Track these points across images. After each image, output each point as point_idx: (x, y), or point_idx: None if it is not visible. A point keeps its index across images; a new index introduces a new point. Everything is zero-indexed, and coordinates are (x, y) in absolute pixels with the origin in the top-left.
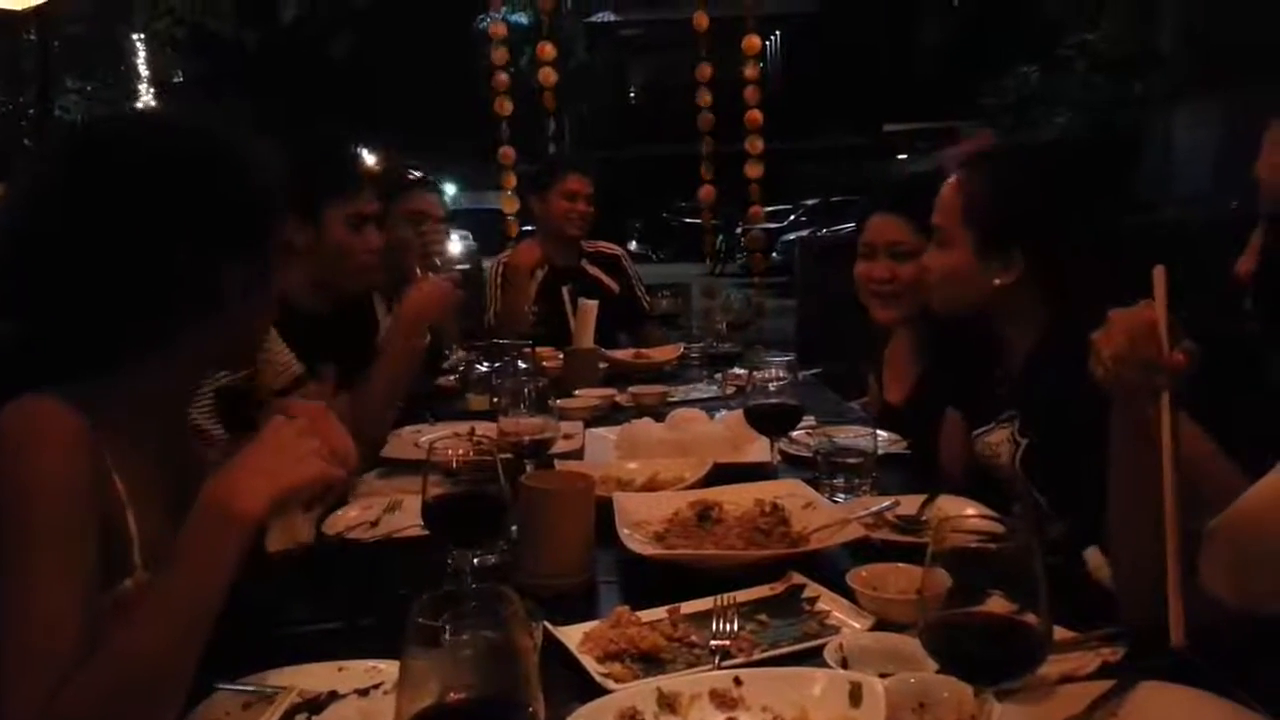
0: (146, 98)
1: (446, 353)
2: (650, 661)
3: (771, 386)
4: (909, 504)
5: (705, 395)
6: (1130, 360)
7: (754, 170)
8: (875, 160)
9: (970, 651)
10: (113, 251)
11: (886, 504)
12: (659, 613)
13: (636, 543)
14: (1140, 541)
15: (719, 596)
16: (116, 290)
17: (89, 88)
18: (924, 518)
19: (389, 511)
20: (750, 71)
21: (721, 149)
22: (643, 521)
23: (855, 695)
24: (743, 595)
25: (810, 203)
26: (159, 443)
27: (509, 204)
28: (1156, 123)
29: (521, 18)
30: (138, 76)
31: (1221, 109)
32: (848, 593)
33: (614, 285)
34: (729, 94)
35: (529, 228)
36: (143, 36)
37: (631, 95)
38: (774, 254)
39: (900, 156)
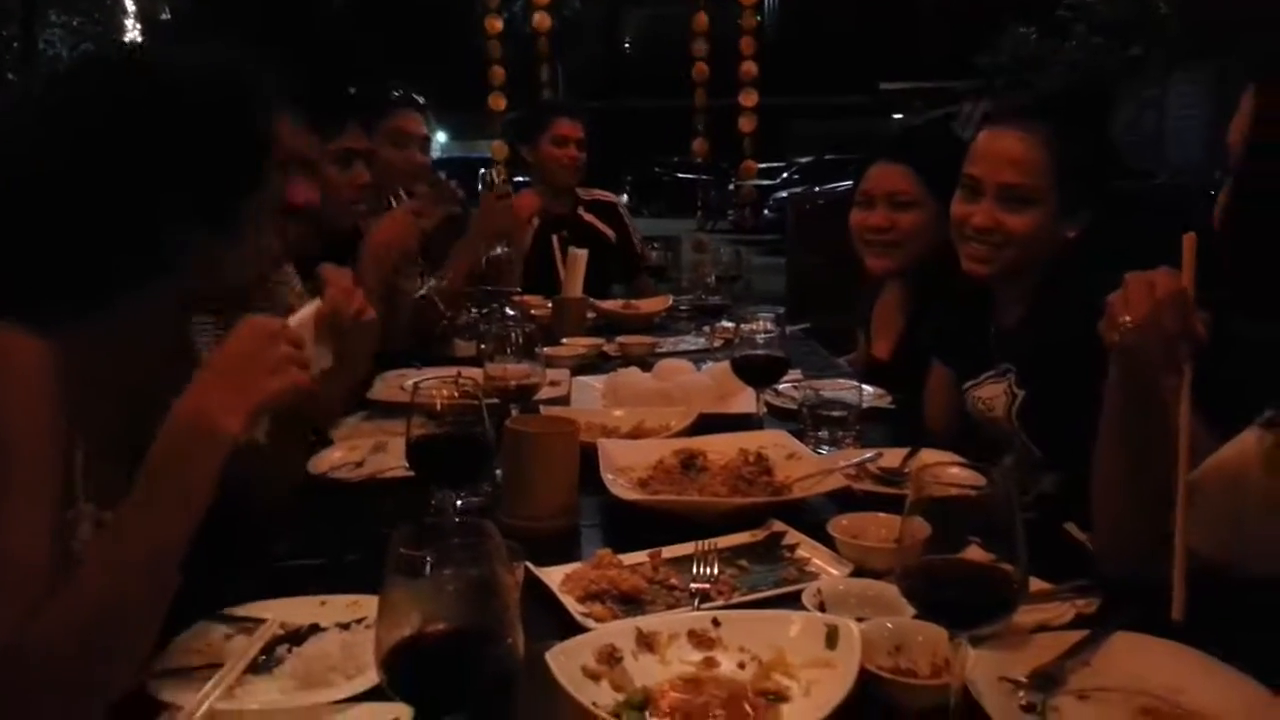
0: (133, 34)
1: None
2: (630, 602)
3: (759, 339)
4: (892, 457)
5: (693, 347)
6: (1154, 330)
7: (747, 124)
8: (871, 118)
9: (945, 597)
10: (107, 187)
11: (869, 455)
12: (640, 556)
13: (620, 488)
14: (1123, 503)
15: (700, 542)
16: (107, 225)
17: (75, 22)
18: (906, 470)
19: (374, 452)
20: (747, 22)
21: (715, 103)
22: (627, 467)
23: (831, 638)
24: (724, 541)
25: (804, 160)
26: (132, 392)
27: (499, 151)
28: (1152, 88)
29: None
30: (124, 11)
31: (1216, 75)
32: (828, 541)
33: (610, 233)
34: (724, 47)
35: (522, 179)
36: None
37: (625, 46)
38: (766, 211)
39: (896, 115)
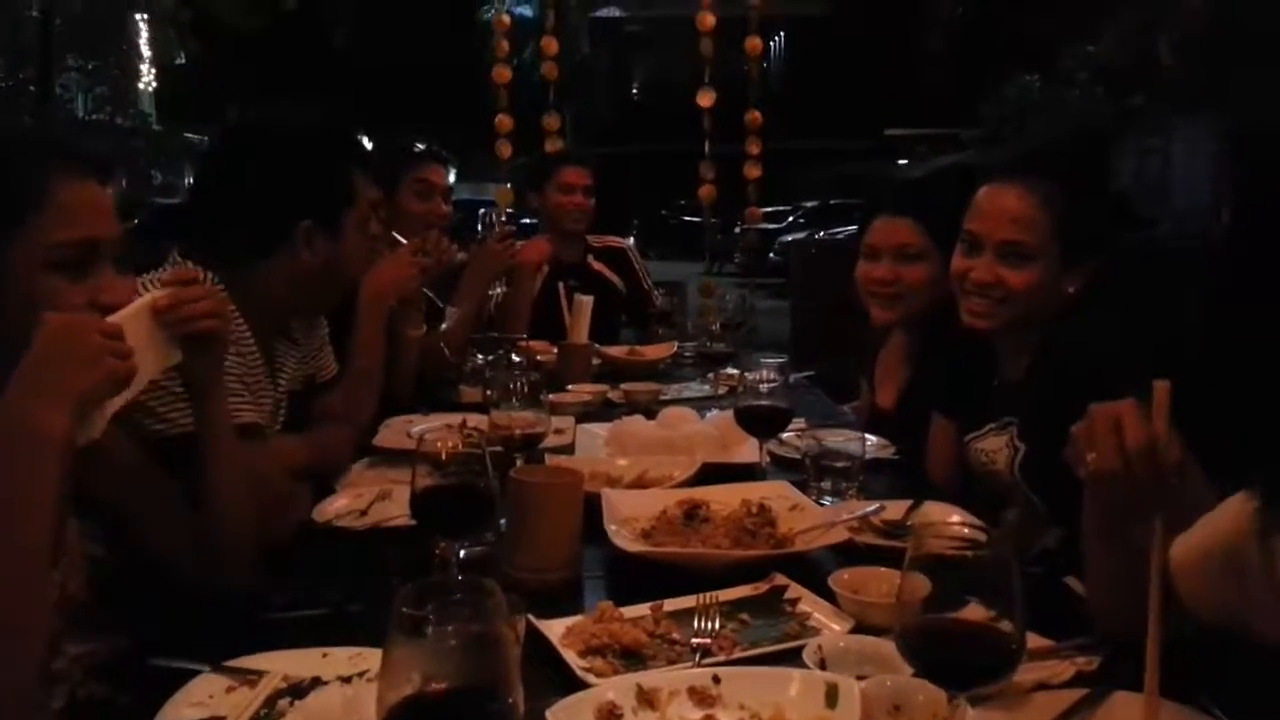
0: (148, 79)
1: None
2: (631, 657)
3: (763, 388)
4: (895, 509)
5: (697, 394)
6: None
7: (752, 171)
8: (875, 163)
9: (943, 657)
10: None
11: (872, 508)
12: (642, 609)
13: (623, 539)
14: (1114, 571)
15: (701, 595)
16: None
17: (90, 66)
18: (909, 523)
19: (379, 500)
20: (751, 71)
21: (722, 148)
22: (630, 518)
23: (831, 696)
24: (725, 594)
25: (809, 205)
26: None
27: (504, 197)
28: (1155, 137)
29: (526, 10)
30: (140, 57)
31: (1219, 123)
32: (830, 595)
33: (619, 282)
34: (731, 93)
35: (530, 221)
36: (146, 17)
37: (634, 92)
38: (772, 255)
39: (901, 161)
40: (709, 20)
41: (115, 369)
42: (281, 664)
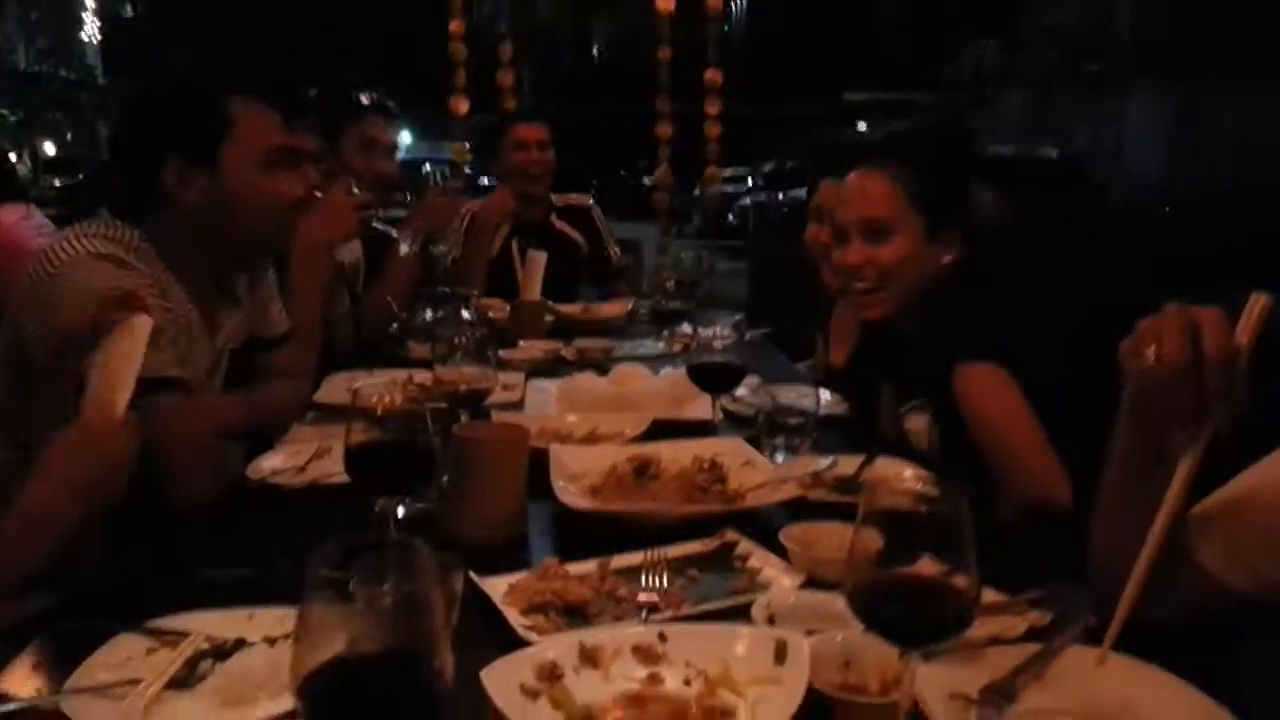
0: (91, 30)
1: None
2: (576, 615)
3: (717, 344)
4: (847, 465)
5: (651, 352)
6: (1186, 382)
7: (712, 130)
8: (833, 128)
9: (895, 615)
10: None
11: (825, 464)
12: (589, 566)
13: (571, 496)
14: (1125, 535)
15: (649, 551)
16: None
17: (32, 17)
18: (861, 479)
19: (317, 458)
20: (712, 31)
21: (681, 109)
22: (579, 474)
23: (780, 653)
24: (674, 551)
25: (767, 168)
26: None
27: (460, 154)
28: (1109, 104)
29: None
30: (83, 7)
31: (1175, 91)
32: (781, 551)
33: (580, 240)
34: (691, 55)
35: (486, 181)
36: None
37: (595, 53)
38: (730, 217)
39: (860, 126)
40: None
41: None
42: (205, 625)
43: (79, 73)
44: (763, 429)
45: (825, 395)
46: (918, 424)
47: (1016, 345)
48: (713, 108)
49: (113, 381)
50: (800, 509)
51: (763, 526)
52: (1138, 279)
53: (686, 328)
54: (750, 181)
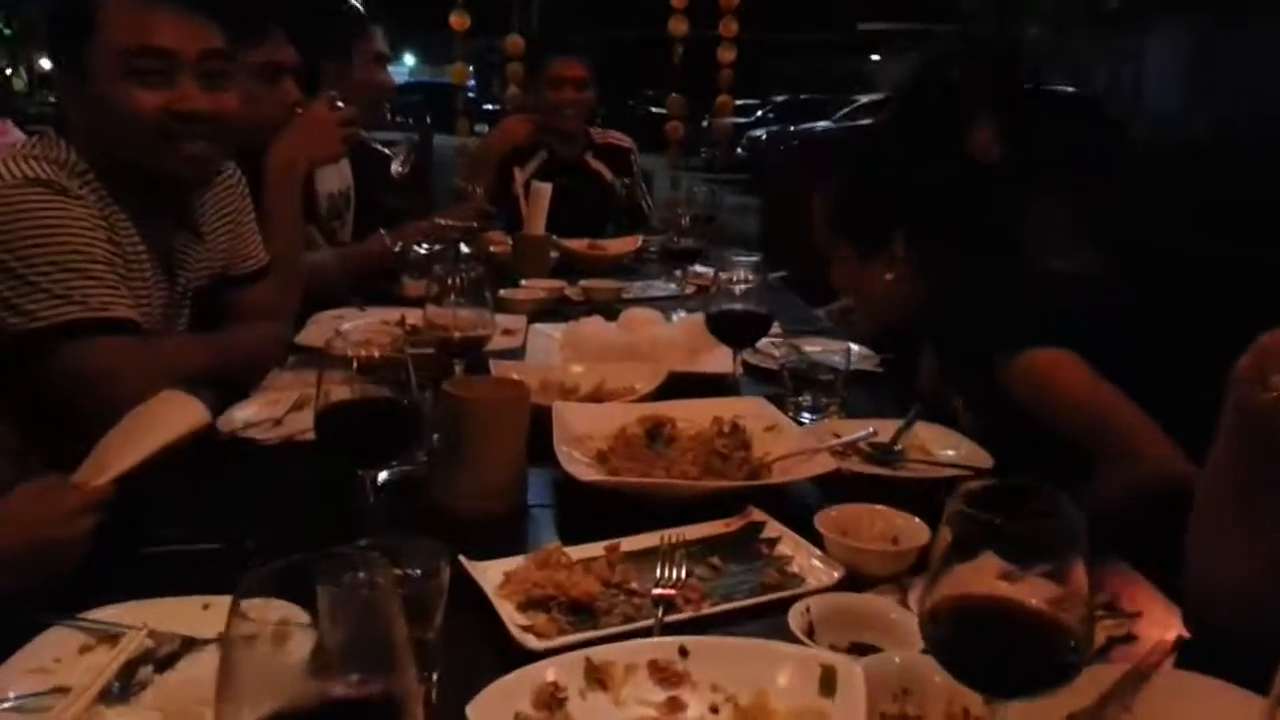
0: None
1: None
2: (581, 612)
3: (737, 289)
4: (882, 429)
5: (663, 293)
6: None
7: (726, 55)
8: (848, 58)
9: (985, 657)
10: None
11: (863, 433)
12: (595, 549)
13: (576, 464)
14: (1230, 559)
15: (665, 533)
16: None
17: None
18: (899, 446)
19: (295, 410)
20: None
21: (694, 34)
22: (585, 436)
23: (828, 682)
24: (692, 532)
25: (778, 99)
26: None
27: (460, 75)
28: (1128, 41)
29: None
30: None
31: (1193, 30)
32: (811, 530)
33: (615, 182)
34: None
35: (489, 106)
36: None
37: None
38: (739, 150)
39: (874, 57)
40: None
41: (83, 537)
42: (152, 616)
43: None
44: (788, 386)
45: (854, 348)
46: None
47: (1072, 322)
48: (728, 30)
49: (120, 447)
50: (831, 483)
51: (791, 503)
52: (1168, 220)
53: (700, 268)
54: (760, 113)
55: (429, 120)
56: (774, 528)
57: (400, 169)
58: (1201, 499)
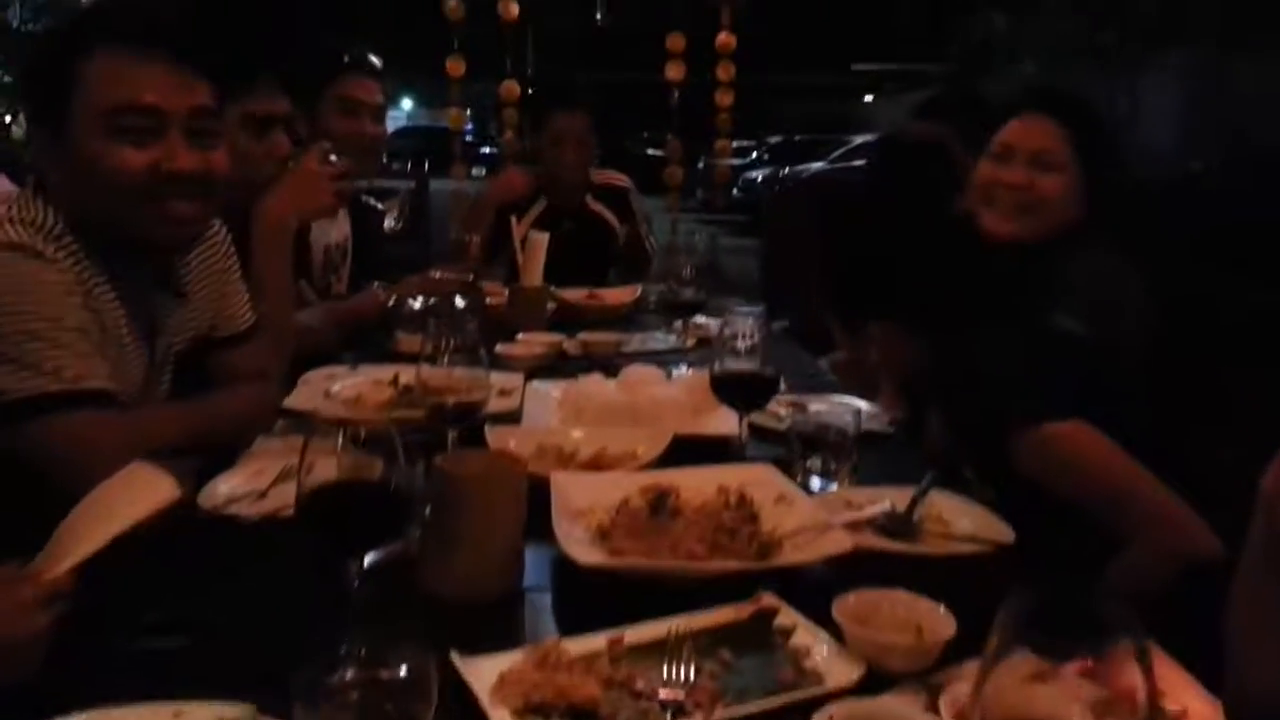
0: None
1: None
2: (583, 718)
3: (740, 344)
4: (895, 498)
5: (663, 346)
6: None
7: (724, 99)
8: (842, 99)
9: None
10: None
11: (879, 508)
12: (597, 642)
13: (576, 544)
14: (1261, 666)
15: (672, 624)
16: None
17: None
18: (916, 519)
19: (281, 481)
20: None
21: (689, 80)
22: (585, 510)
23: None
24: (701, 621)
25: (774, 140)
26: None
27: (456, 121)
28: (1122, 77)
29: None
30: None
31: (1189, 65)
32: (826, 616)
33: (616, 223)
34: (698, 21)
35: (486, 149)
36: None
37: (598, 17)
38: (735, 190)
39: (868, 98)
40: None
41: (39, 634)
42: None
43: None
44: (796, 450)
45: (863, 407)
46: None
47: (1089, 391)
48: (725, 73)
49: (81, 530)
50: (845, 560)
51: (804, 584)
52: (1176, 259)
53: (701, 319)
54: (755, 154)
55: (426, 164)
56: (788, 615)
57: (394, 224)
58: (1235, 605)
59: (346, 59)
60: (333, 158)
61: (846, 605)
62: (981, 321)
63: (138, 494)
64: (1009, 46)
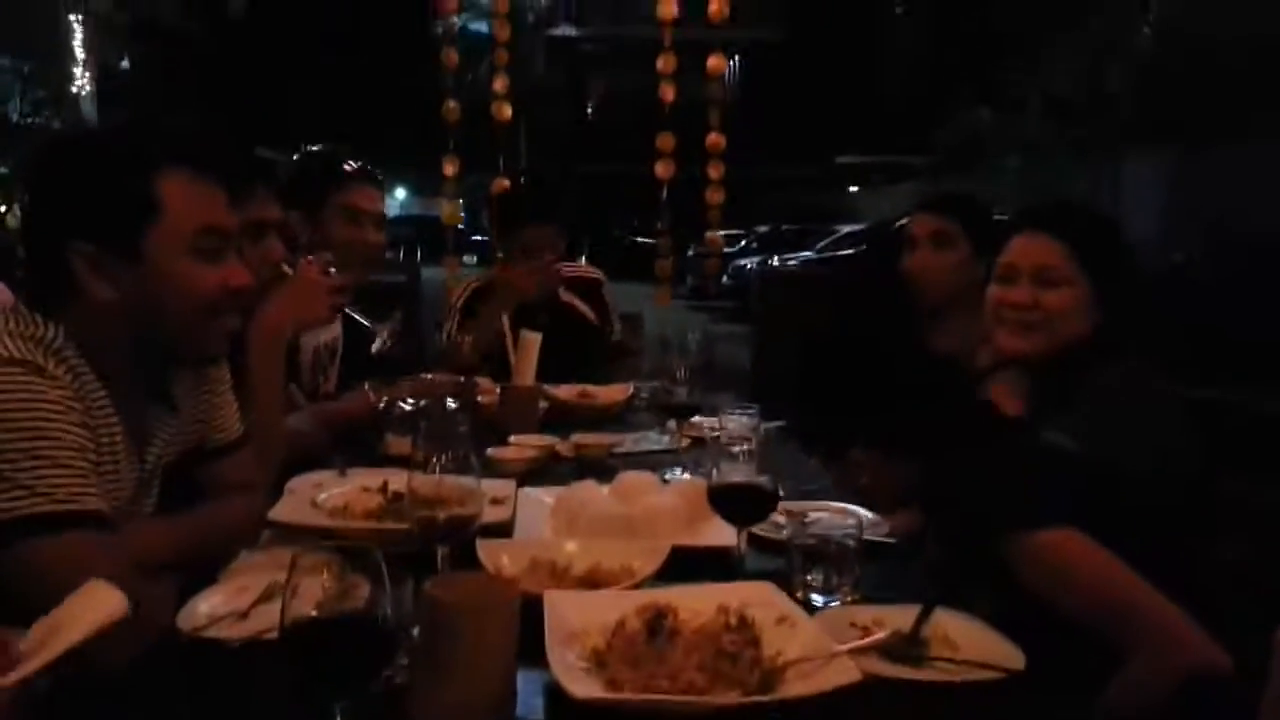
0: (82, 82)
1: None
2: None
3: (736, 449)
4: (898, 617)
5: (656, 447)
6: None
7: (714, 196)
8: (827, 190)
9: None
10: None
11: (884, 636)
12: None
13: (570, 673)
14: None
15: None
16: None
17: (25, 69)
18: (923, 637)
19: (264, 601)
20: (714, 94)
21: (678, 174)
22: (579, 633)
23: None
24: None
25: (762, 229)
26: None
27: (452, 216)
28: (1104, 170)
29: (483, 26)
30: (73, 60)
31: (1169, 158)
32: None
33: (591, 315)
34: (687, 116)
35: (480, 237)
36: (80, 18)
37: (588, 111)
38: (725, 278)
39: (852, 189)
40: (671, 8)
41: None
42: None
43: (74, 125)
44: (796, 564)
45: (865, 515)
46: None
47: (1083, 505)
48: (715, 172)
49: (37, 643)
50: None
51: (809, 716)
52: (1174, 355)
53: (697, 419)
54: (743, 242)
55: (419, 253)
56: None
57: (383, 346)
58: None
59: (349, 168)
60: (331, 270)
61: None
62: (970, 439)
63: (89, 610)
64: (992, 140)
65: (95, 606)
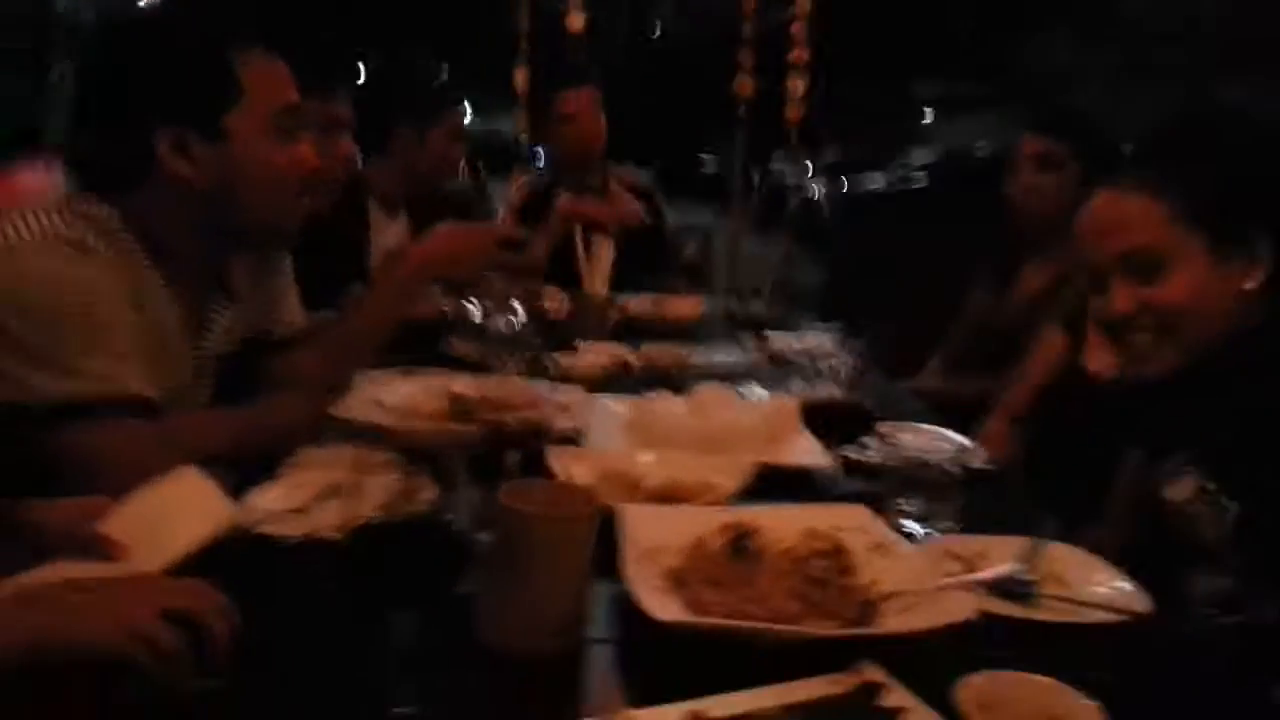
0: None
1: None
2: None
3: (821, 366)
4: (999, 547)
5: (729, 360)
6: None
7: (794, 112)
8: (899, 117)
9: None
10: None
11: (1007, 569)
12: (672, 716)
13: (649, 593)
14: None
15: (758, 696)
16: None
17: None
18: (1035, 576)
19: (323, 498)
20: (800, 6)
21: (755, 94)
22: (656, 549)
23: None
24: (793, 693)
25: (830, 157)
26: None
27: (522, 121)
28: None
29: None
30: None
31: (1260, 85)
32: (940, 698)
33: (647, 218)
34: (762, 35)
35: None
36: None
37: (658, 30)
38: (795, 204)
39: (925, 121)
40: None
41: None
42: None
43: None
44: (892, 490)
45: (964, 442)
46: (1185, 490)
47: None
48: (795, 88)
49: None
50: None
51: (913, 657)
52: None
53: (773, 333)
54: (813, 170)
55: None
56: (896, 694)
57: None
58: None
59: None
60: (512, 239)
61: (970, 691)
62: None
63: (191, 514)
64: (1072, 69)
65: (202, 513)
